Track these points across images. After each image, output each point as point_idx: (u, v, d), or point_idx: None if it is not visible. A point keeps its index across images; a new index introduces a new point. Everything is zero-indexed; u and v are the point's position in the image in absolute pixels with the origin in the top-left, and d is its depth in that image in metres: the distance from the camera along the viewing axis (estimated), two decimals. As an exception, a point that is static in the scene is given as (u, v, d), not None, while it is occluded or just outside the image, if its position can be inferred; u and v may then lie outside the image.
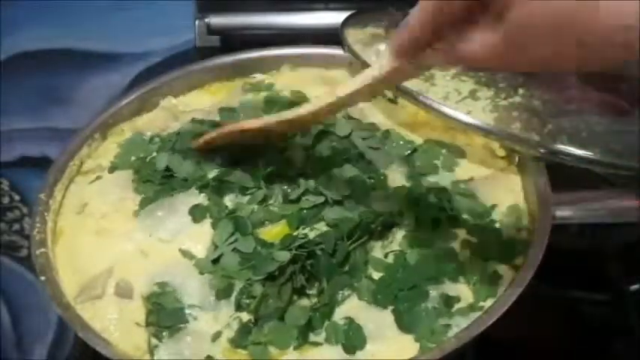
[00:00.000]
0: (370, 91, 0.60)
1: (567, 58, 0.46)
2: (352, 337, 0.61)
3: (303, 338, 0.61)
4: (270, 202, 0.70)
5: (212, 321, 0.63)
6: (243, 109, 0.80)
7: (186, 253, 0.67)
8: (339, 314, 0.62)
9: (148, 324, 0.62)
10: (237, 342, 0.61)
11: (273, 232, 0.67)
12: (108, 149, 0.78)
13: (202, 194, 0.71)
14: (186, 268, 0.66)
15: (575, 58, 0.45)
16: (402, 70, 0.55)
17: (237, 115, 0.79)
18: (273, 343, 0.60)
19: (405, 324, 0.61)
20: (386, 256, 0.66)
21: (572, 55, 0.45)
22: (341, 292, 0.63)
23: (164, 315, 0.63)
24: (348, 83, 0.60)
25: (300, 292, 0.63)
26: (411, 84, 0.75)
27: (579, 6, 0.43)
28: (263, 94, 0.82)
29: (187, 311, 0.63)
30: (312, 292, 0.63)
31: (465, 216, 0.69)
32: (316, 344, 0.61)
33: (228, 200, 0.70)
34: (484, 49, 0.48)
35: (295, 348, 0.60)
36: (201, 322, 0.63)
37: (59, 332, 0.77)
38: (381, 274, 0.64)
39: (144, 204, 0.70)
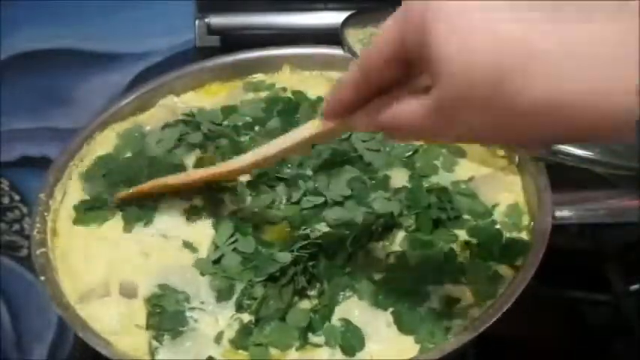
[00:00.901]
0: (301, 149, 0.61)
1: (496, 130, 0.44)
2: (350, 339, 0.61)
3: (304, 339, 0.61)
4: (270, 203, 0.70)
5: (213, 322, 0.63)
6: (246, 108, 0.80)
7: (187, 245, 0.67)
8: (339, 315, 0.62)
9: (148, 327, 0.62)
10: (238, 343, 0.61)
11: (274, 232, 0.67)
12: (108, 137, 0.78)
13: (200, 195, 0.71)
14: (187, 269, 0.66)
15: (505, 129, 0.43)
16: (332, 130, 0.54)
17: (240, 114, 0.79)
18: (275, 344, 0.60)
19: (404, 325, 0.61)
20: (387, 257, 0.66)
21: (502, 125, 0.43)
22: (342, 293, 0.63)
23: (165, 318, 0.62)
24: (278, 141, 0.60)
25: (301, 293, 0.63)
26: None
27: (503, 78, 0.41)
28: (264, 94, 0.82)
29: (188, 313, 0.63)
30: (313, 293, 0.63)
31: (465, 216, 0.69)
32: (317, 345, 0.61)
33: (229, 201, 0.70)
34: (412, 116, 0.47)
35: (297, 349, 0.60)
36: (202, 323, 0.63)
37: (59, 332, 0.77)
38: (381, 275, 0.64)
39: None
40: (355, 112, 0.51)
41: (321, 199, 0.69)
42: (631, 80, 0.38)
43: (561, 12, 0.40)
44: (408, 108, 0.47)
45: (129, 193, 0.70)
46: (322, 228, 0.68)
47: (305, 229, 0.67)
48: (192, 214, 0.70)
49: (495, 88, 0.41)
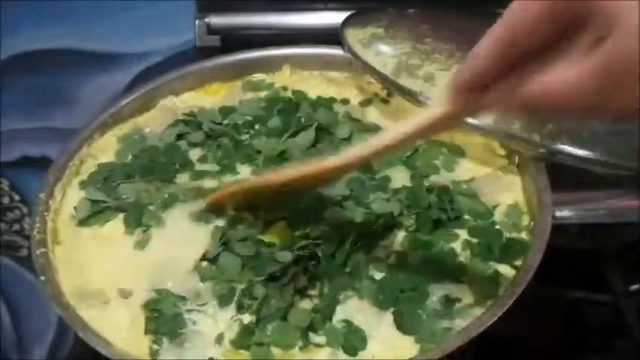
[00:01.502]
0: (417, 138, 0.53)
1: None
2: (352, 339, 0.60)
3: (306, 339, 0.61)
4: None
5: (213, 323, 0.62)
6: (245, 107, 0.80)
7: (187, 248, 0.67)
8: (341, 315, 0.62)
9: (147, 331, 0.62)
10: (240, 343, 0.61)
11: (273, 232, 0.67)
12: (109, 142, 0.78)
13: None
14: (187, 272, 0.66)
15: None
16: (459, 113, 0.46)
17: (239, 113, 0.79)
18: (277, 344, 0.60)
19: (405, 325, 0.61)
20: (388, 257, 0.66)
21: None
22: (343, 292, 0.63)
23: (163, 321, 0.62)
24: (393, 130, 0.51)
25: (302, 293, 0.63)
26: (411, 84, 0.75)
27: None
28: (263, 94, 0.82)
29: (187, 315, 0.63)
30: (314, 292, 0.63)
31: (465, 216, 0.69)
32: (319, 345, 0.60)
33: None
34: (565, 85, 0.39)
35: (300, 349, 0.60)
36: (201, 325, 0.62)
37: (59, 332, 0.77)
38: (382, 275, 0.64)
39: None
40: (491, 88, 0.43)
41: (318, 200, 0.69)
42: None
43: None
44: (564, 73, 0.39)
45: (214, 198, 0.66)
46: (322, 228, 0.67)
47: (305, 229, 0.67)
48: (194, 217, 0.70)
49: None
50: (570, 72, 0.39)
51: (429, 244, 0.66)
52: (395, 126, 0.51)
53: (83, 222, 0.71)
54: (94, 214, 0.71)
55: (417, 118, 0.50)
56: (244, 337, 0.61)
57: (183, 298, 0.64)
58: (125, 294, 0.65)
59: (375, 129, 0.77)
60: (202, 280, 0.65)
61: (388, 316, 0.62)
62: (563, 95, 0.39)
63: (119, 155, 0.77)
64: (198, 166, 0.75)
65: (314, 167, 0.59)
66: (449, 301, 0.62)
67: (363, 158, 0.56)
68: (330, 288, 0.63)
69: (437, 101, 0.47)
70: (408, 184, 0.71)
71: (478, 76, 0.43)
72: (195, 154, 0.76)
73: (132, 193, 0.72)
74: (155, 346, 0.61)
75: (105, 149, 0.77)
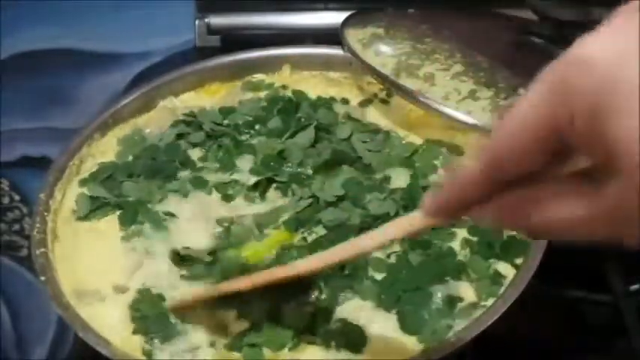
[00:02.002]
0: (390, 244, 0.55)
1: None
2: (351, 337, 0.60)
3: (298, 339, 0.60)
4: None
5: (204, 324, 0.62)
6: (245, 107, 0.80)
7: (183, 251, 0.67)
8: (342, 316, 0.62)
9: (135, 331, 0.62)
10: (231, 345, 0.61)
11: (272, 237, 0.68)
12: (109, 144, 0.78)
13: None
14: (177, 273, 0.66)
15: None
16: (434, 225, 0.45)
17: (237, 114, 0.79)
18: (268, 345, 0.60)
19: (408, 325, 0.61)
20: (387, 257, 0.66)
21: None
22: (342, 294, 0.63)
23: (149, 322, 0.62)
24: (370, 238, 0.50)
25: (299, 296, 0.63)
26: (411, 84, 0.75)
27: None
28: (263, 93, 0.82)
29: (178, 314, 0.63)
30: (313, 295, 0.63)
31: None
32: (314, 344, 0.60)
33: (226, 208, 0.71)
34: (575, 220, 0.36)
35: (290, 349, 0.60)
36: (192, 326, 0.62)
37: (59, 332, 0.77)
38: (383, 275, 0.64)
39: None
40: (476, 208, 0.40)
41: (312, 201, 0.69)
42: None
43: None
44: (572, 207, 0.36)
45: (185, 302, 0.63)
46: (319, 231, 0.68)
47: (303, 232, 0.67)
48: (192, 216, 0.70)
49: None
50: (579, 208, 0.36)
51: (427, 244, 0.66)
52: (370, 235, 0.51)
53: (83, 218, 0.71)
54: (93, 209, 0.71)
55: (390, 229, 0.49)
56: (236, 340, 0.61)
57: (165, 298, 0.63)
58: (120, 290, 0.65)
59: (374, 129, 0.77)
60: (195, 278, 0.65)
61: (391, 317, 0.62)
62: (573, 229, 0.37)
63: (119, 156, 0.77)
64: (200, 166, 0.75)
65: (282, 273, 0.57)
66: (451, 300, 0.62)
67: (336, 262, 0.54)
68: (328, 290, 0.63)
69: (413, 215, 0.45)
70: (408, 184, 0.71)
71: (459, 201, 0.41)
72: (195, 154, 0.76)
73: (133, 191, 0.72)
74: (147, 346, 0.61)
75: (105, 150, 0.77)
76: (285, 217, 0.69)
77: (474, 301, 0.62)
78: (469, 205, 0.40)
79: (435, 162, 0.73)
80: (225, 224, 0.69)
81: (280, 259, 0.65)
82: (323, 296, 0.63)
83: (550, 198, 0.37)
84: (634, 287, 0.74)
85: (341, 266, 0.64)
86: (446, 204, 0.42)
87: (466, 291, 0.63)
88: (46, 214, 0.70)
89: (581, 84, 0.33)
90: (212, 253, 0.66)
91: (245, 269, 0.63)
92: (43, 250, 0.66)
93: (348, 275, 0.64)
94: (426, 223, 0.44)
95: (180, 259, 0.66)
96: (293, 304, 0.62)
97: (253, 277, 0.58)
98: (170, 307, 0.63)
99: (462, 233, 0.67)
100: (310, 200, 0.69)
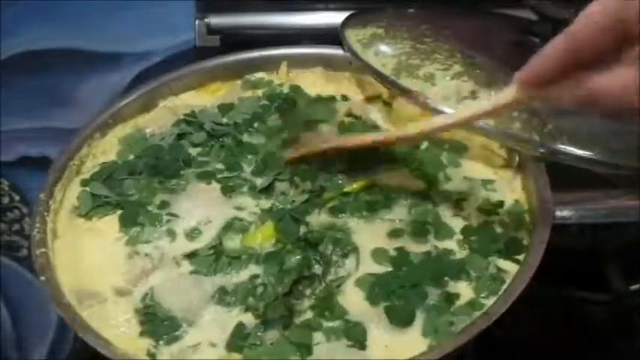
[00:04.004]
0: (493, 116, 0.60)
1: None
2: (353, 333, 0.61)
3: (305, 355, 0.60)
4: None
5: (207, 326, 0.62)
6: (244, 105, 0.80)
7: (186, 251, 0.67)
8: (340, 312, 0.62)
9: (142, 333, 0.62)
10: (231, 345, 0.61)
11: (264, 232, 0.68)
12: (110, 144, 0.78)
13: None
14: (181, 271, 0.66)
15: None
16: (526, 99, 0.54)
17: (238, 111, 0.79)
18: (273, 356, 0.60)
19: (397, 321, 0.61)
20: (387, 252, 0.66)
21: None
22: (340, 289, 0.63)
23: (157, 324, 0.62)
24: (463, 110, 0.58)
25: (299, 293, 0.63)
26: (411, 84, 0.75)
27: None
28: (262, 91, 0.83)
29: (181, 316, 0.63)
30: (313, 293, 0.64)
31: (466, 214, 0.69)
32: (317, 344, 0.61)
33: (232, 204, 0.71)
34: (624, 87, 0.46)
35: None
36: (197, 327, 0.62)
37: (59, 332, 0.77)
38: (381, 271, 0.64)
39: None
40: (557, 83, 0.50)
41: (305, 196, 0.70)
42: None
43: None
44: (623, 77, 0.46)
45: (301, 152, 0.71)
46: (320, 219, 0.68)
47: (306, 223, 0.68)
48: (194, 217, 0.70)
49: None
50: (628, 76, 0.46)
51: (426, 241, 0.67)
52: (463, 108, 0.59)
53: (84, 215, 0.71)
54: (95, 207, 0.71)
55: (492, 101, 0.57)
56: (238, 340, 0.61)
57: (177, 302, 0.63)
58: (121, 292, 0.65)
59: (375, 127, 0.77)
60: (203, 274, 0.65)
61: (379, 311, 0.62)
62: (621, 95, 0.46)
63: (121, 155, 0.77)
64: (203, 164, 0.75)
65: (386, 136, 0.69)
66: (449, 297, 0.62)
67: (430, 132, 0.64)
68: (327, 287, 0.64)
69: (503, 90, 0.54)
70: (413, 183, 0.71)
71: (542, 75, 0.50)
72: (197, 153, 0.76)
73: (135, 190, 0.72)
74: (152, 348, 0.61)
75: (106, 150, 0.77)
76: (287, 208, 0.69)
77: (472, 300, 0.62)
78: (549, 78, 0.49)
79: (440, 158, 0.74)
80: (229, 220, 0.69)
81: None
82: (321, 292, 0.63)
83: (614, 72, 0.46)
84: (634, 287, 0.74)
85: (340, 262, 0.65)
86: (535, 76, 0.50)
87: (464, 289, 0.63)
88: (46, 214, 0.69)
89: None
90: (214, 247, 0.66)
91: None
92: (43, 250, 0.66)
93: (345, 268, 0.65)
94: (520, 95, 0.52)
95: (186, 257, 0.66)
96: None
97: (356, 139, 0.70)
98: (289, 158, 0.71)
99: (462, 233, 0.67)
100: (311, 194, 0.70)
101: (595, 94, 0.48)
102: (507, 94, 0.54)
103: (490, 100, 0.57)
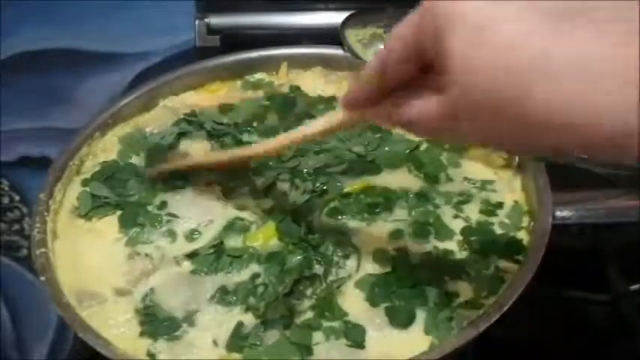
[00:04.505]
0: (322, 136, 0.63)
1: (507, 137, 0.45)
2: (352, 334, 0.61)
3: (306, 354, 0.60)
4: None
5: (208, 326, 0.62)
6: (244, 105, 0.80)
7: (185, 252, 0.67)
8: (339, 312, 0.62)
9: (142, 333, 0.62)
10: (231, 345, 0.61)
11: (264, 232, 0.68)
12: (111, 143, 0.78)
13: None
14: (181, 271, 0.66)
15: (514, 137, 0.44)
16: (352, 121, 0.57)
17: (238, 111, 0.79)
18: (273, 356, 0.60)
19: (397, 321, 0.61)
20: (387, 252, 0.66)
21: (512, 133, 0.43)
22: (341, 289, 0.63)
23: (157, 324, 0.62)
24: (303, 129, 0.62)
25: (302, 292, 0.63)
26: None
27: (510, 90, 0.41)
28: (262, 91, 0.83)
29: (181, 315, 0.63)
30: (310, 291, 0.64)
31: (465, 215, 0.69)
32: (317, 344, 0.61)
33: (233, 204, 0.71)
34: (428, 114, 0.48)
35: None
36: (197, 327, 0.62)
37: (59, 332, 0.77)
38: (381, 270, 0.64)
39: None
40: (374, 106, 0.53)
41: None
42: (631, 99, 0.38)
43: (572, 24, 0.40)
44: (426, 105, 0.48)
45: (162, 169, 0.73)
46: (321, 220, 0.68)
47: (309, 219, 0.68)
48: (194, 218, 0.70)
49: (503, 96, 0.42)
50: (432, 104, 0.47)
51: (427, 241, 0.67)
52: (306, 126, 0.61)
53: (84, 215, 0.71)
54: (95, 207, 0.71)
55: (320, 122, 0.59)
56: (238, 340, 0.61)
57: (177, 302, 0.63)
58: (121, 292, 0.65)
59: (375, 126, 0.77)
60: (204, 273, 0.65)
61: (379, 312, 0.62)
62: (428, 120, 0.48)
63: (121, 155, 0.77)
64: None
65: (247, 152, 0.71)
66: (448, 295, 0.62)
67: (276, 149, 0.67)
68: (327, 287, 0.64)
69: (333, 113, 0.58)
70: (413, 183, 0.71)
71: (361, 95, 0.53)
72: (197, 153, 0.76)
73: (136, 189, 0.72)
74: (152, 348, 0.61)
75: (106, 149, 0.78)
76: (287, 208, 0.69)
77: (472, 299, 0.62)
78: (369, 100, 0.52)
79: (440, 158, 0.74)
80: (230, 221, 0.69)
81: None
82: (322, 292, 0.63)
83: (419, 98, 0.49)
84: (634, 287, 0.74)
85: (341, 261, 0.65)
86: (354, 99, 0.54)
87: (464, 289, 0.63)
88: (46, 214, 0.70)
89: (425, 15, 0.46)
90: (215, 246, 0.67)
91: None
92: (43, 250, 0.66)
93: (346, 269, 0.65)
94: (344, 117, 0.56)
95: (186, 256, 0.67)
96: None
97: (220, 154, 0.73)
98: (150, 174, 0.73)
99: (462, 233, 0.67)
100: (312, 194, 0.70)
101: (408, 119, 0.50)
102: (338, 114, 0.57)
103: (324, 119, 0.59)
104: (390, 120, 0.52)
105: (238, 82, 0.85)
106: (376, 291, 0.63)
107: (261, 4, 1.00)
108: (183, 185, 0.72)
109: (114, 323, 0.63)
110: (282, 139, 0.65)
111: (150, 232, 0.69)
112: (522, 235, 0.67)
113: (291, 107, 0.80)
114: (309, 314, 0.62)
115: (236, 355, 0.60)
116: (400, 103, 0.50)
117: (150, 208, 0.71)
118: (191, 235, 0.68)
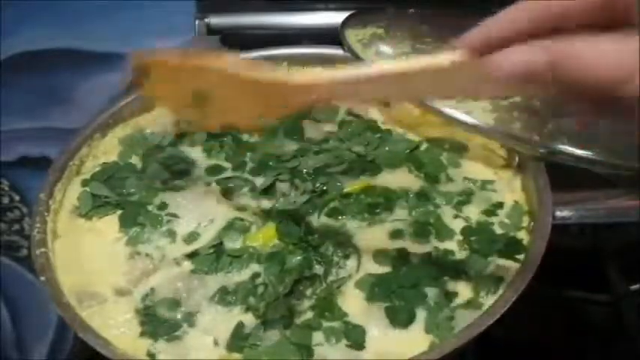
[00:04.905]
0: (425, 79, 0.49)
1: None
2: (353, 335, 0.61)
3: (306, 354, 0.60)
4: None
5: (208, 326, 0.63)
6: None
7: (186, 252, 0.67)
8: (339, 313, 0.62)
9: (142, 334, 0.62)
10: (232, 345, 0.61)
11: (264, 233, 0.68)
12: (111, 144, 0.78)
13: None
14: (181, 271, 0.66)
15: None
16: (473, 66, 0.46)
17: None
18: (273, 356, 0.60)
19: (398, 321, 0.61)
20: (388, 252, 0.66)
21: None
22: (341, 289, 0.63)
23: (157, 324, 0.62)
24: (407, 61, 0.49)
25: (302, 292, 0.63)
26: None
27: None
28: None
29: (181, 316, 0.63)
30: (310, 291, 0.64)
31: (465, 215, 0.69)
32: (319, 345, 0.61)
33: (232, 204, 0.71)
34: (601, 53, 0.42)
35: None
36: (197, 327, 0.63)
37: (59, 332, 0.77)
38: (381, 270, 0.64)
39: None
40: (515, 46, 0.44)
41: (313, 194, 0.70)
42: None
43: None
44: (603, 45, 0.42)
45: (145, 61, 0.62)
46: (321, 221, 0.68)
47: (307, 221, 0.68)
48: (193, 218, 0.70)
49: None
50: (609, 46, 0.42)
51: (427, 241, 0.67)
52: (408, 60, 0.50)
53: (84, 215, 0.71)
54: (95, 207, 0.71)
55: (432, 58, 0.48)
56: (238, 340, 0.61)
57: (177, 302, 0.64)
58: (121, 292, 0.65)
59: (375, 126, 0.77)
60: (204, 272, 0.65)
61: (379, 311, 0.62)
62: (594, 62, 0.42)
63: (121, 156, 0.77)
64: (203, 165, 0.75)
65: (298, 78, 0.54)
66: (448, 295, 0.62)
67: (355, 81, 0.52)
68: (327, 286, 0.64)
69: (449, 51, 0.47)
70: (413, 183, 0.71)
71: (502, 38, 0.45)
72: (198, 153, 0.76)
73: (137, 189, 0.72)
74: (152, 348, 0.61)
75: (106, 150, 0.78)
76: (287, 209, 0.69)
77: (472, 299, 0.62)
78: (508, 41, 0.44)
79: (440, 158, 0.74)
80: (230, 221, 0.69)
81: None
82: (322, 292, 0.63)
83: (590, 41, 0.42)
84: (634, 287, 0.74)
85: (341, 262, 0.65)
86: (491, 38, 0.45)
87: (464, 289, 0.63)
88: (46, 214, 0.70)
89: None
90: (215, 246, 0.67)
91: None
92: (43, 250, 0.66)
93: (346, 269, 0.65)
94: (468, 58, 0.46)
95: (187, 256, 0.67)
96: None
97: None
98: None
99: (462, 233, 0.67)
100: (312, 195, 0.70)
101: (570, 55, 0.42)
102: (453, 55, 0.47)
103: (433, 57, 0.48)
104: (547, 55, 0.43)
105: (238, 82, 0.85)
106: (376, 291, 0.63)
107: (261, 4, 1.00)
108: (183, 185, 0.72)
109: (114, 323, 0.63)
110: (368, 69, 0.50)
111: (150, 232, 0.69)
112: (522, 235, 0.67)
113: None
114: (309, 314, 0.62)
115: (236, 355, 0.60)
116: (562, 44, 0.43)
117: (150, 207, 0.71)
118: (191, 235, 0.68)
